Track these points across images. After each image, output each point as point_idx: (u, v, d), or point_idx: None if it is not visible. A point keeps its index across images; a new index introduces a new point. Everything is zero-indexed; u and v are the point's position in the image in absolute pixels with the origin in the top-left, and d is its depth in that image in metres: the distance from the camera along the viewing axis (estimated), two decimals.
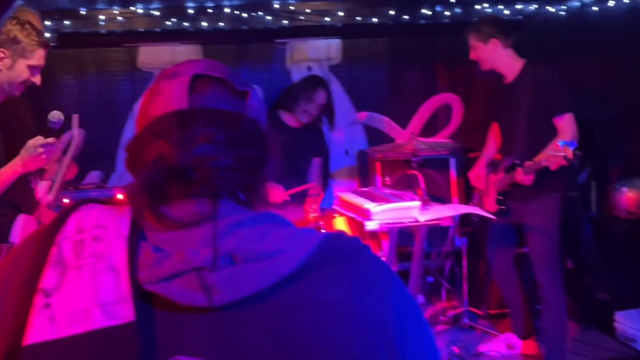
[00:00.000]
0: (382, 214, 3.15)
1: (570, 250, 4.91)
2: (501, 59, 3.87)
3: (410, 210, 3.21)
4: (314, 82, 4.50)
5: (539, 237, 3.79)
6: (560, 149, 3.32)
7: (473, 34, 3.89)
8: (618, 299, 4.68)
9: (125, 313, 0.91)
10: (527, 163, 3.62)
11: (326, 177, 4.89)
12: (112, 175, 4.84)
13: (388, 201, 3.27)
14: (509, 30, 3.89)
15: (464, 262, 4.72)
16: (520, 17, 5.12)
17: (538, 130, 3.74)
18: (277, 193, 4.25)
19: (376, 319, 0.94)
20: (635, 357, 4.22)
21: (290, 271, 0.92)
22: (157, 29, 4.82)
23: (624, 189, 4.75)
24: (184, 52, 4.91)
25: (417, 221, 3.22)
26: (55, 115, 2.80)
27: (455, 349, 4.16)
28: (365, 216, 3.19)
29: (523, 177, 3.64)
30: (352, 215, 3.37)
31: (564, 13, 5.15)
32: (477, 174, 4.17)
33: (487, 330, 4.60)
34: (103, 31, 4.75)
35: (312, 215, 4.04)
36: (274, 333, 0.92)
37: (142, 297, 0.92)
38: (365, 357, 0.92)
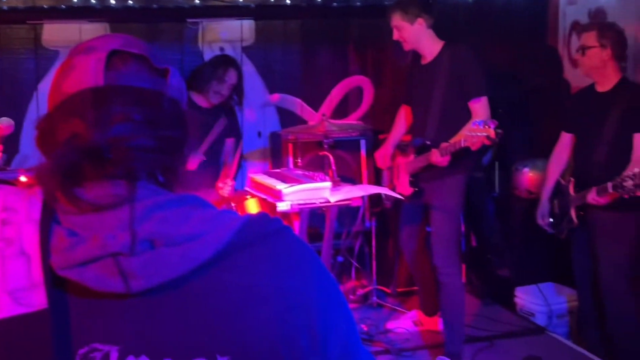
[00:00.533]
0: (293, 195, 3.19)
1: (475, 229, 5.11)
2: (424, 39, 3.85)
3: (321, 191, 3.26)
4: (224, 62, 4.47)
5: (441, 217, 3.84)
6: (481, 128, 3.34)
7: (399, 14, 3.82)
8: (518, 275, 4.91)
9: (37, 300, 0.89)
10: (444, 144, 3.63)
11: (240, 158, 4.89)
12: (15, 157, 4.68)
13: (299, 182, 3.31)
14: (432, 10, 3.87)
15: (373, 242, 4.83)
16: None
17: (452, 112, 3.77)
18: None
19: (297, 302, 0.94)
20: (535, 330, 4.44)
21: (210, 255, 0.90)
22: (63, 6, 4.67)
23: (525, 170, 4.96)
24: (91, 30, 4.77)
25: (328, 202, 3.28)
26: None
27: (364, 327, 4.27)
28: (277, 197, 3.22)
29: (439, 158, 3.65)
30: (263, 196, 3.39)
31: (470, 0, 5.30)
32: (383, 154, 4.22)
33: (395, 307, 4.73)
34: (5, 7, 4.57)
35: (225, 191, 4.03)
36: (193, 318, 0.90)
37: (55, 284, 0.89)
38: (286, 340, 0.92)
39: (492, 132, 3.32)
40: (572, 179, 4.02)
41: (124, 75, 0.98)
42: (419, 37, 3.84)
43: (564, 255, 4.66)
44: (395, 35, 3.89)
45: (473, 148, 3.44)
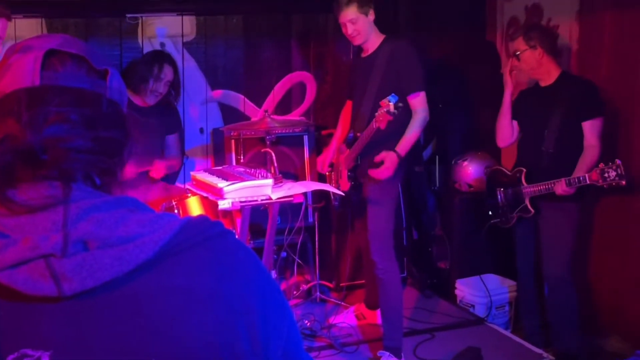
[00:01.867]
0: (235, 192, 3.19)
1: (416, 222, 5.19)
2: (373, 31, 3.87)
3: (263, 188, 3.27)
4: (158, 59, 4.38)
5: (375, 212, 3.84)
6: (384, 104, 3.42)
7: (355, 6, 3.77)
8: (458, 267, 5.01)
9: None
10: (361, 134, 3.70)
11: (182, 154, 4.85)
12: None
13: (241, 179, 3.30)
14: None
15: (316, 237, 4.86)
16: None
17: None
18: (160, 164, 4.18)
19: (237, 305, 0.93)
20: (474, 321, 4.54)
21: (147, 257, 0.89)
22: None
23: (465, 163, 5.06)
24: (26, 25, 4.64)
25: (269, 199, 3.28)
26: None
27: (307, 322, 4.30)
28: (218, 195, 3.21)
29: (357, 145, 3.71)
30: (205, 194, 3.38)
31: None
32: (323, 160, 4.25)
33: (338, 302, 4.77)
34: None
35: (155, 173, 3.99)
36: (129, 322, 0.89)
37: None
38: (226, 344, 0.91)
39: (391, 106, 3.41)
40: (523, 170, 4.12)
41: (61, 75, 0.96)
42: (369, 29, 3.85)
43: (503, 247, 4.79)
44: (350, 30, 3.83)
45: (382, 127, 3.52)
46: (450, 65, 5.37)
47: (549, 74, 4.07)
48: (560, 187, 3.85)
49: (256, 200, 3.25)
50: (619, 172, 3.63)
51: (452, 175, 5.14)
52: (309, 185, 3.56)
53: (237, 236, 3.58)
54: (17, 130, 0.92)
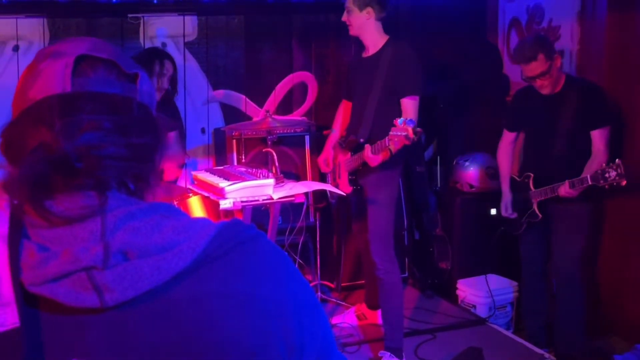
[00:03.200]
0: (236, 192, 3.19)
1: (417, 223, 5.19)
2: (370, 29, 3.83)
3: (265, 188, 3.27)
4: (156, 56, 4.37)
5: (375, 213, 3.84)
6: (400, 127, 3.32)
7: None
8: (460, 267, 5.01)
9: (9, 319, 0.87)
10: (377, 144, 3.58)
11: (183, 152, 4.85)
12: None
13: (242, 179, 3.31)
14: (385, 3, 3.83)
15: (317, 238, 4.86)
16: None
17: (387, 109, 3.73)
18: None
19: (273, 309, 0.93)
20: (476, 322, 4.54)
21: (185, 265, 0.89)
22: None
23: (466, 164, 5.07)
24: (28, 25, 4.67)
25: (271, 199, 3.29)
26: None
27: None
28: (220, 195, 3.22)
29: (371, 156, 3.61)
30: (206, 194, 3.38)
31: None
32: (325, 158, 4.22)
33: (339, 302, 4.78)
34: None
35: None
36: (169, 329, 0.89)
37: (27, 301, 0.87)
38: (263, 348, 0.91)
39: (410, 131, 3.30)
40: (531, 175, 4.12)
41: (92, 81, 0.96)
42: (363, 25, 3.81)
43: (505, 247, 4.79)
44: (344, 17, 3.86)
45: (394, 149, 3.43)
46: (452, 65, 5.38)
47: (558, 82, 4.04)
48: (564, 188, 3.87)
49: (257, 200, 3.25)
50: (619, 171, 3.64)
51: (454, 176, 5.15)
52: (311, 185, 3.56)
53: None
54: (50, 138, 0.90)
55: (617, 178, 3.65)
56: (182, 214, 0.96)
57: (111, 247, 0.88)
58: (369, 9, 3.78)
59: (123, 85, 0.98)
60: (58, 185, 0.91)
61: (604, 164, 3.74)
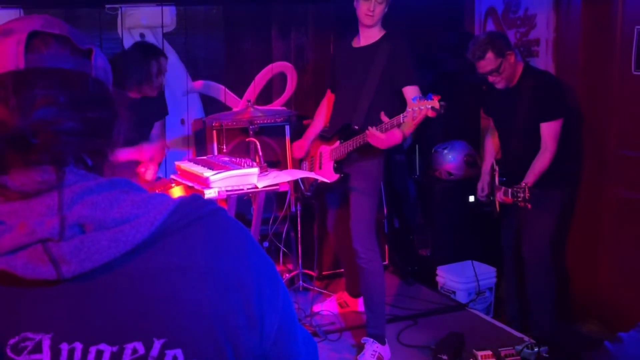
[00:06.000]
0: (220, 181, 3.20)
1: (397, 211, 5.24)
2: (379, 23, 3.87)
3: (249, 177, 3.28)
4: (153, 54, 4.35)
5: (358, 201, 3.87)
6: (424, 101, 3.36)
7: None
8: (439, 254, 5.07)
9: None
10: (385, 123, 3.58)
11: (164, 140, 4.85)
12: None
13: (227, 169, 3.32)
14: None
15: (299, 227, 4.88)
16: None
17: (382, 100, 3.81)
18: (147, 148, 4.15)
19: (233, 281, 0.95)
20: (456, 307, 4.60)
21: (143, 238, 0.90)
22: None
23: (445, 152, 5.13)
24: (5, 16, 4.61)
25: (255, 187, 3.30)
26: None
27: None
28: (204, 184, 3.23)
29: (379, 135, 3.57)
30: (190, 184, 3.38)
31: None
32: (300, 145, 4.24)
33: (321, 290, 4.81)
34: None
35: (149, 175, 3.96)
36: (128, 302, 0.90)
37: None
38: (223, 319, 0.93)
39: (436, 103, 3.35)
40: (497, 168, 4.18)
41: (45, 57, 0.95)
42: (381, 19, 3.86)
43: (484, 234, 4.87)
44: (371, 7, 3.77)
45: (414, 122, 3.47)
46: (428, 55, 5.41)
47: (516, 73, 4.10)
48: (499, 194, 3.97)
49: (242, 189, 3.27)
50: (525, 195, 3.72)
51: (433, 164, 5.20)
52: (295, 174, 3.58)
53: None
54: (6, 115, 0.91)
55: (523, 201, 3.73)
56: (142, 190, 0.97)
57: (68, 219, 0.88)
58: (388, 5, 3.82)
59: (77, 60, 0.97)
60: (14, 161, 0.91)
61: (523, 182, 3.79)
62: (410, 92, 3.77)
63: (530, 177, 3.89)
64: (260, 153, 3.66)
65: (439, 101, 3.35)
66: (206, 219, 0.97)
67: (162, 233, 0.92)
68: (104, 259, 0.88)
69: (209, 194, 3.18)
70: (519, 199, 3.75)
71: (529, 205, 3.74)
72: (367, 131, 3.62)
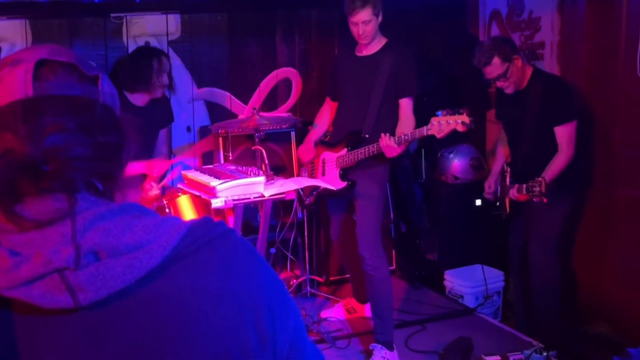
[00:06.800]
0: (227, 190, 3.21)
1: (403, 215, 5.24)
2: (377, 33, 3.92)
3: (256, 186, 3.29)
4: (153, 54, 4.41)
5: (365, 207, 3.89)
6: (453, 116, 3.39)
7: (371, 8, 3.80)
8: (446, 258, 5.07)
9: None
10: (400, 134, 3.63)
11: (170, 149, 4.88)
12: None
13: (233, 177, 3.33)
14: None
15: (305, 233, 4.89)
16: None
17: (389, 108, 3.86)
18: (158, 164, 4.19)
19: (245, 302, 0.96)
20: (464, 312, 4.60)
21: (156, 263, 0.91)
22: None
23: (451, 156, 5.12)
24: (10, 26, 4.64)
25: (262, 196, 3.31)
26: None
27: None
28: (211, 194, 3.24)
29: (393, 145, 3.60)
30: (197, 193, 3.39)
31: None
32: (307, 148, 4.26)
33: (329, 296, 4.82)
34: None
35: (153, 192, 3.99)
36: (144, 327, 0.91)
37: (0, 304, 0.88)
38: (237, 340, 0.94)
39: (466, 118, 3.38)
40: (508, 169, 4.18)
41: (53, 84, 0.96)
42: (377, 31, 3.90)
43: (491, 237, 4.86)
44: (361, 30, 3.82)
45: (440, 135, 3.50)
46: (434, 58, 5.42)
47: (525, 77, 4.11)
48: (512, 191, 3.96)
49: (249, 198, 3.28)
50: (540, 189, 3.70)
51: (438, 168, 5.20)
52: (301, 182, 3.59)
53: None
54: (16, 144, 0.92)
55: (539, 194, 3.71)
56: (153, 214, 0.98)
57: (82, 247, 0.89)
58: (380, 15, 3.86)
59: (84, 87, 0.99)
60: (27, 189, 0.92)
61: (538, 177, 3.77)
62: (404, 105, 3.82)
63: (547, 175, 3.87)
64: (267, 161, 3.66)
65: (468, 115, 3.39)
66: (217, 242, 0.97)
67: (174, 257, 0.93)
68: (120, 285, 0.90)
69: (216, 203, 3.19)
70: (535, 193, 3.72)
71: (545, 200, 3.72)
72: (381, 141, 3.63)
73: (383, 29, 4.02)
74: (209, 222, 0.99)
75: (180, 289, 0.93)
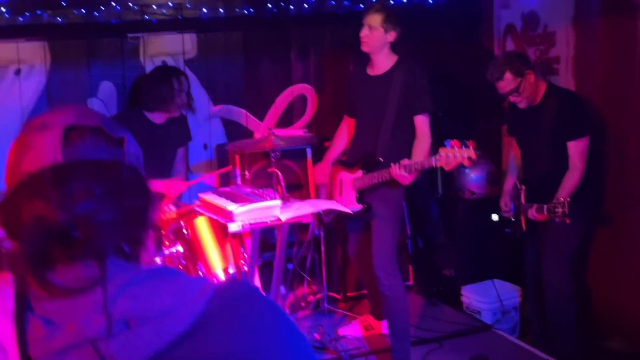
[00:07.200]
0: (244, 215, 3.24)
1: (420, 231, 5.24)
2: (385, 51, 3.93)
3: (272, 210, 3.31)
4: (172, 73, 4.47)
5: (381, 228, 3.90)
6: (459, 150, 3.41)
7: (380, 17, 3.84)
8: (463, 274, 5.06)
9: None
10: (405, 162, 3.64)
11: (187, 167, 4.93)
12: None
13: (250, 201, 3.35)
14: (400, 28, 3.95)
15: (322, 249, 4.91)
16: (361, 6, 5.18)
17: (402, 128, 3.87)
18: (176, 184, 4.24)
19: None
20: (482, 328, 4.59)
21: (184, 329, 0.93)
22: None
23: (467, 171, 5.11)
24: (29, 48, 4.72)
25: (279, 220, 3.33)
26: None
27: (317, 336, 4.34)
28: (228, 218, 3.26)
29: (404, 174, 3.63)
30: (215, 217, 3.42)
31: (405, 0, 5.36)
32: (323, 169, 4.27)
33: (346, 313, 4.83)
34: None
35: (171, 215, 4.03)
36: None
37: None
38: None
39: (472, 152, 3.40)
40: (523, 187, 4.16)
41: (81, 149, 0.99)
42: (382, 46, 3.91)
43: (508, 253, 4.85)
44: (363, 33, 3.88)
45: (448, 168, 3.53)
46: (448, 73, 5.41)
47: (538, 92, 4.10)
48: (531, 212, 3.94)
49: (266, 222, 3.30)
50: (563, 210, 3.69)
51: (455, 183, 5.19)
52: (317, 205, 3.60)
53: (246, 255, 3.63)
54: (47, 211, 0.93)
55: (562, 215, 3.71)
56: (179, 275, 1.00)
57: (113, 316, 0.91)
58: (393, 33, 3.87)
59: (111, 150, 1.01)
60: (58, 256, 0.94)
61: (560, 197, 3.77)
62: (421, 121, 3.83)
63: (563, 194, 3.86)
64: (283, 183, 3.69)
65: (476, 150, 3.39)
66: (242, 304, 1.00)
67: (201, 322, 0.95)
68: (149, 353, 0.92)
69: (233, 227, 3.22)
70: (557, 214, 3.72)
71: (568, 220, 3.72)
72: (391, 170, 3.66)
73: (397, 46, 4.04)
74: (234, 284, 1.02)
75: (208, 353, 0.94)
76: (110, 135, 1.02)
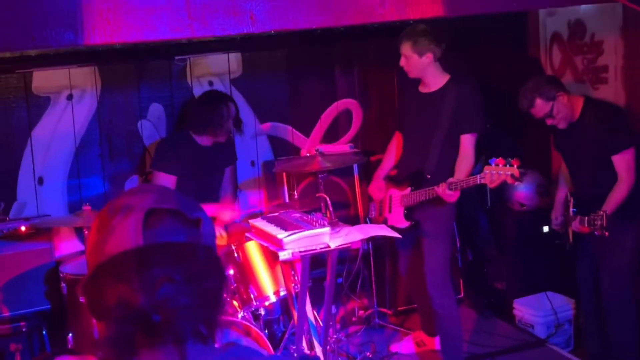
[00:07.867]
0: (294, 243, 3.27)
1: (470, 243, 5.21)
2: (431, 71, 3.93)
3: (322, 237, 3.34)
4: (221, 100, 4.52)
5: (432, 246, 3.92)
6: (504, 167, 3.43)
7: (409, 45, 3.86)
8: (515, 286, 5.01)
9: None
10: (452, 180, 3.68)
11: (235, 186, 4.99)
12: (13, 206, 4.72)
13: (299, 228, 3.38)
14: (441, 42, 3.93)
15: (372, 264, 4.92)
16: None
17: (451, 146, 3.88)
18: (228, 210, 4.30)
19: None
20: (535, 343, 4.54)
21: None
22: (50, 52, 4.71)
23: (516, 182, 5.06)
24: (80, 74, 4.84)
25: (328, 247, 3.36)
26: None
27: (369, 354, 4.36)
28: (279, 246, 3.30)
29: (449, 193, 3.67)
30: (265, 243, 3.47)
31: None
32: (377, 187, 4.28)
33: (397, 328, 4.83)
34: None
35: (222, 241, 4.09)
36: None
37: None
38: None
39: (516, 170, 3.42)
40: (571, 199, 4.12)
41: (160, 232, 1.04)
42: (424, 69, 3.91)
43: (559, 264, 4.78)
44: (402, 62, 3.93)
45: (492, 186, 3.55)
46: (494, 83, 5.36)
47: (575, 109, 4.04)
48: (575, 224, 3.90)
49: (315, 249, 3.33)
50: (601, 222, 3.65)
51: (504, 195, 5.14)
52: (366, 231, 3.61)
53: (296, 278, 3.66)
54: (130, 295, 0.98)
55: (600, 228, 3.66)
56: (253, 354, 1.04)
57: None
58: (429, 54, 3.85)
59: (188, 232, 1.06)
60: (141, 342, 0.98)
61: (599, 210, 3.72)
62: (466, 142, 3.81)
63: (608, 207, 3.81)
64: (331, 209, 3.71)
65: (518, 167, 3.39)
66: None
67: None
68: None
69: (284, 255, 3.26)
70: (596, 227, 3.68)
71: (607, 233, 3.68)
72: (437, 189, 3.67)
73: (444, 62, 4.02)
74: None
75: None
76: (187, 217, 1.07)
